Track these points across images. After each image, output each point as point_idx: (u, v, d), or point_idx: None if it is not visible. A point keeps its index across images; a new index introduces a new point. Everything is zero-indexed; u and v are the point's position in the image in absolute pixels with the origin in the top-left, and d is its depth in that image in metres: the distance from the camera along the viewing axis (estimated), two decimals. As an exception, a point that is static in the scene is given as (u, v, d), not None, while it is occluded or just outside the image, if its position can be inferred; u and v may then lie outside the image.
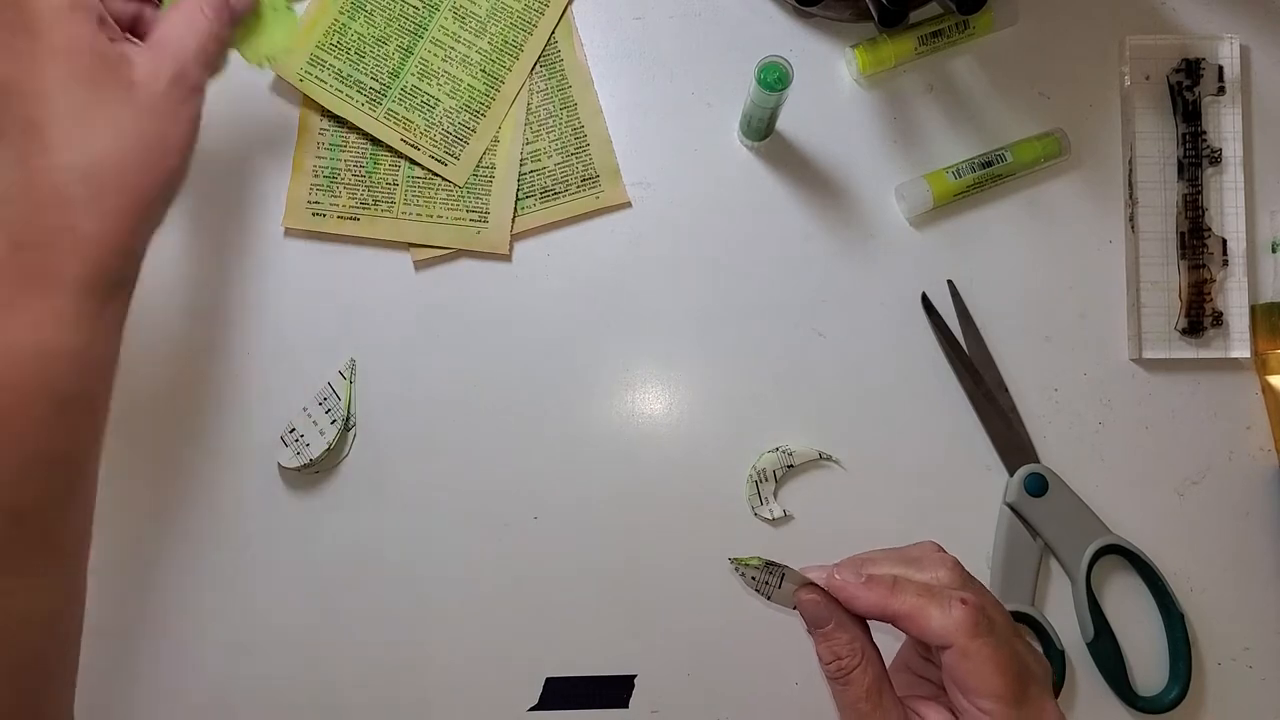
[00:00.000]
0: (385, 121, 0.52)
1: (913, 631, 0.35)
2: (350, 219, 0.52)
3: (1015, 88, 0.54)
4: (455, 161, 0.52)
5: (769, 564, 0.37)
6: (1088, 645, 0.50)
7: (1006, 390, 0.52)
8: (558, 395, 0.52)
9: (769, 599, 0.38)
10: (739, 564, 0.38)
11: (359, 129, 0.52)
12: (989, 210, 0.53)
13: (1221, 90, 0.52)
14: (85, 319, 0.35)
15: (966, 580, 0.36)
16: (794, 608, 0.38)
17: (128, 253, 0.36)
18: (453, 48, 0.53)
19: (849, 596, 0.36)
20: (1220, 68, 0.53)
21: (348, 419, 0.51)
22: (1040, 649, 0.50)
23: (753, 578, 0.38)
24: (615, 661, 0.50)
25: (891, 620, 0.35)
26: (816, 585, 0.37)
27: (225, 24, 0.41)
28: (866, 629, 0.37)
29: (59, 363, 0.34)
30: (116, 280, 0.36)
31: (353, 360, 0.52)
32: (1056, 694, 0.49)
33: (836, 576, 0.36)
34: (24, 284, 0.34)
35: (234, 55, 0.44)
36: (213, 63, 0.40)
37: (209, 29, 0.40)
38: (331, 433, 0.50)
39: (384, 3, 0.53)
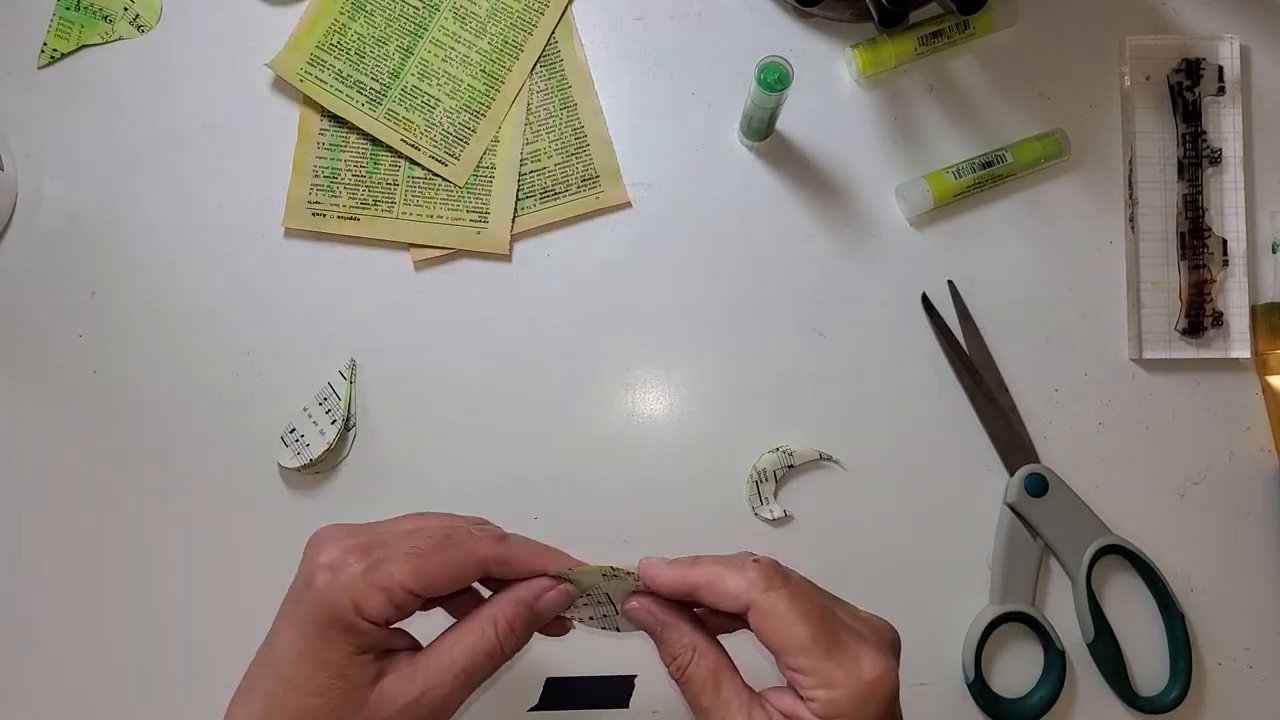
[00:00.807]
0: (385, 122, 0.52)
1: (711, 599, 0.34)
2: (350, 219, 0.52)
3: (1015, 88, 0.54)
4: (455, 161, 0.52)
5: (608, 576, 0.36)
6: (1088, 645, 0.50)
7: (1007, 390, 0.52)
8: (558, 395, 0.52)
9: (619, 631, 0.38)
10: (575, 579, 0.37)
11: (359, 129, 0.52)
12: (989, 210, 0.53)
13: (1221, 90, 0.52)
14: None
15: (774, 563, 0.35)
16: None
17: None
18: (453, 48, 0.53)
19: (652, 575, 0.36)
20: (1220, 68, 0.53)
21: (348, 419, 0.51)
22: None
23: (590, 618, 0.38)
24: (615, 661, 0.50)
25: (692, 592, 0.35)
26: (642, 593, 0.36)
27: (517, 643, 0.36)
28: (701, 626, 0.36)
29: None
30: None
31: (353, 360, 0.52)
32: (1053, 698, 0.49)
33: (644, 561, 0.36)
34: None
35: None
36: (476, 684, 0.36)
37: (490, 649, 0.36)
38: (331, 433, 0.50)
39: (384, 3, 0.53)
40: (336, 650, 0.34)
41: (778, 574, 0.34)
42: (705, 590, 0.34)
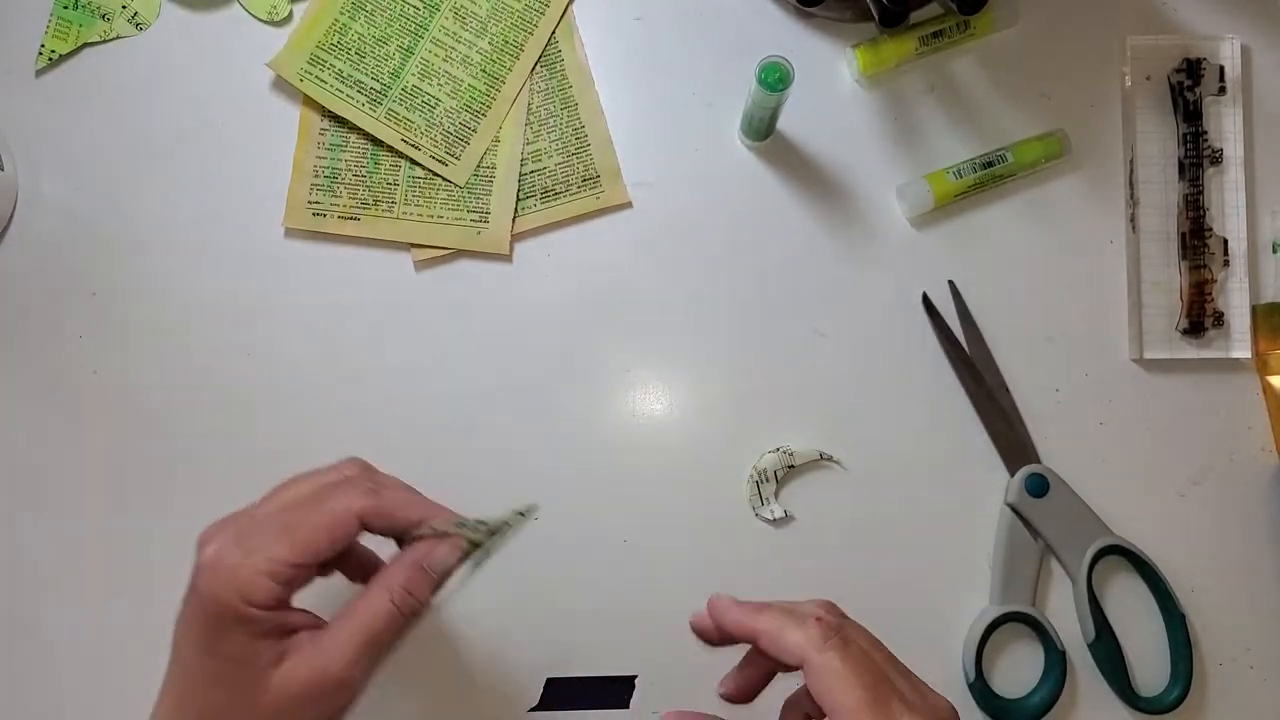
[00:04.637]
0: (386, 121, 0.52)
1: (771, 650, 0.35)
2: (350, 219, 0.52)
3: (1016, 88, 0.54)
4: (456, 161, 0.52)
5: (500, 533, 0.38)
6: (1089, 646, 0.50)
7: (1007, 390, 0.52)
8: (558, 395, 0.52)
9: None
10: (461, 531, 0.38)
11: (360, 129, 0.52)
12: (990, 210, 0.53)
13: (1222, 90, 0.52)
14: None
15: (841, 616, 0.36)
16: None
17: None
18: (453, 48, 0.53)
19: (721, 610, 0.36)
20: (1221, 68, 0.53)
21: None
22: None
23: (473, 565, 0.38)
24: (615, 661, 0.50)
25: (752, 638, 0.35)
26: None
27: (417, 605, 0.37)
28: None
29: None
30: None
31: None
32: (1054, 698, 0.49)
33: (713, 599, 0.37)
34: None
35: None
36: (383, 653, 0.36)
37: (390, 616, 0.36)
38: (332, 433, 0.50)
39: (385, 3, 0.53)
40: (233, 642, 0.34)
41: (836, 633, 0.34)
42: (765, 639, 0.35)
